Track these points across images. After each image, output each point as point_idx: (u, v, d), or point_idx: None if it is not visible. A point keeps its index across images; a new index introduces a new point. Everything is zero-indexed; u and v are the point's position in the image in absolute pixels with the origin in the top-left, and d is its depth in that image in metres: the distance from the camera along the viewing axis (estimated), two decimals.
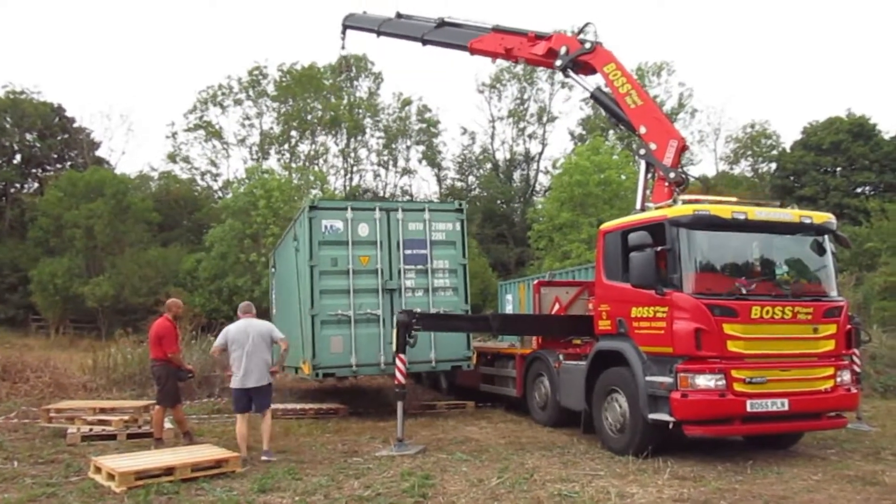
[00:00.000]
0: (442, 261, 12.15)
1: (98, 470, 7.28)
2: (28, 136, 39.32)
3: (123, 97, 77.32)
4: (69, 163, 40.75)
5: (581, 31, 11.02)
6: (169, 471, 7.15)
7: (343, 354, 11.46)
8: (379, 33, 14.46)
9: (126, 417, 10.22)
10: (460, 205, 12.67)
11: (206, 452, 7.99)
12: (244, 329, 8.48)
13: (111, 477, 6.96)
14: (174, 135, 42.45)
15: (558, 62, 11.08)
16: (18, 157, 39.73)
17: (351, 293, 11.57)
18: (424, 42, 13.35)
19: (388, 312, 11.59)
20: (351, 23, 15.81)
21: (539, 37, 11.51)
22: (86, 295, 29.89)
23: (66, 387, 14.01)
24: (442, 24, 13.12)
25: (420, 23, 13.65)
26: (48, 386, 13.91)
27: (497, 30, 12.19)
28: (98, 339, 26.14)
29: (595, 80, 11.08)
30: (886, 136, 37.08)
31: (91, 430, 9.93)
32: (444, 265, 12.16)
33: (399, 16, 14.18)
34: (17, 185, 40.01)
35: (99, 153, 42.62)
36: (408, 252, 11.92)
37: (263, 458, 8.22)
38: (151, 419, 9.69)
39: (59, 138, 40.59)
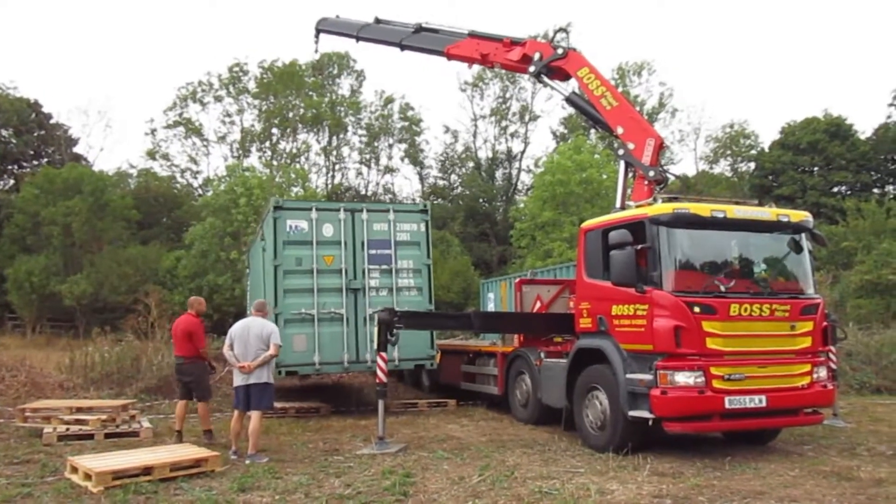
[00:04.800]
0: (406, 261, 12.28)
1: (75, 470, 7.19)
2: (3, 133, 38.74)
3: (101, 93, 76.56)
4: (46, 159, 40.15)
5: (556, 35, 11.13)
6: (147, 470, 7.07)
7: (306, 353, 11.56)
8: (358, 38, 14.52)
9: (104, 417, 10.10)
10: (425, 206, 12.85)
11: (185, 452, 7.92)
12: (246, 326, 8.56)
13: (88, 477, 6.87)
14: (153, 132, 42.06)
15: (532, 68, 11.18)
16: None
17: (315, 292, 11.68)
18: (403, 48, 13.40)
19: (351, 312, 11.83)
20: (325, 27, 15.83)
21: (514, 42, 11.62)
22: (63, 293, 29.49)
23: (42, 386, 13.81)
24: (419, 29, 13.20)
25: (398, 28, 13.69)
26: (24, 385, 13.69)
27: (473, 35, 12.26)
28: (75, 338, 25.81)
29: (571, 85, 11.15)
30: (862, 137, 37.63)
31: (68, 429, 9.80)
32: (408, 265, 12.29)
33: (378, 21, 14.19)
34: None
35: (76, 150, 42.14)
36: (372, 252, 12.07)
37: (247, 461, 8.11)
38: (199, 415, 9.83)
39: (35, 134, 40.01)
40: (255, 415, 8.40)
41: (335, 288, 11.80)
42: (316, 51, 16.71)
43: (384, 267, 12.11)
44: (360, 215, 12.14)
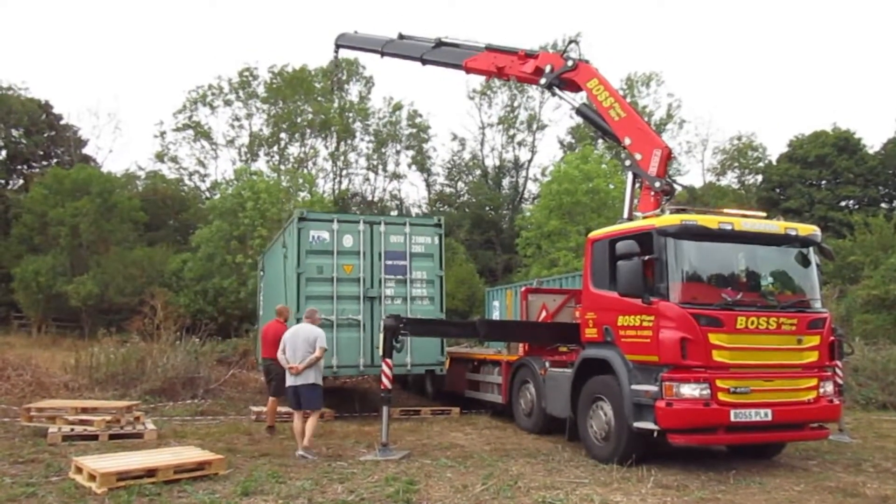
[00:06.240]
0: (420, 272, 12.97)
1: (79, 470, 7.21)
2: (14, 133, 38.89)
3: (112, 95, 76.96)
4: (55, 160, 40.30)
5: (566, 48, 11.28)
6: (151, 472, 7.10)
7: (325, 356, 11.77)
8: (383, 54, 14.78)
9: (108, 417, 10.14)
10: (439, 220, 13.49)
11: (189, 454, 7.95)
12: (296, 332, 9.22)
13: (92, 478, 6.90)
14: (162, 134, 42.15)
15: (543, 80, 11.40)
16: (4, 153, 39.29)
17: (334, 299, 12.33)
18: (424, 62, 13.73)
19: (368, 318, 12.47)
20: (346, 43, 16.12)
21: (528, 55, 11.88)
22: (69, 293, 29.55)
23: (47, 386, 13.86)
24: (439, 44, 13.52)
25: (420, 43, 13.99)
26: (29, 385, 13.75)
27: (490, 48, 12.53)
28: (81, 339, 25.90)
29: (581, 96, 11.27)
30: (871, 151, 37.51)
31: (72, 429, 9.84)
32: (422, 276, 12.97)
33: (401, 37, 14.47)
34: (2, 182, 39.52)
35: (86, 151, 42.21)
36: (388, 263, 12.76)
37: (299, 453, 8.65)
38: (267, 410, 10.94)
39: (45, 135, 40.17)
40: (311, 415, 8.98)
41: (353, 296, 12.47)
42: (337, 65, 17.08)
43: (399, 277, 12.81)
44: (379, 227, 12.83)
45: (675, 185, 10.05)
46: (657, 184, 9.45)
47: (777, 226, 8.61)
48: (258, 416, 12.01)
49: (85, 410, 10.49)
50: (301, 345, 8.99)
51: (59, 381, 14.27)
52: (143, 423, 10.62)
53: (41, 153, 40.65)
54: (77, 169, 34.04)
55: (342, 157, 43.90)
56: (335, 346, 12.06)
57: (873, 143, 40.20)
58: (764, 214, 9.16)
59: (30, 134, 39.01)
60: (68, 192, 31.96)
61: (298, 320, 11.60)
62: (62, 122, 41.12)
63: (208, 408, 13.19)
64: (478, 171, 45.41)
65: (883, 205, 36.66)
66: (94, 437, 9.73)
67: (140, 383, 14.09)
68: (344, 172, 44.52)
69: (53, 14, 66.38)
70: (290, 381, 9.07)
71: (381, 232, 12.78)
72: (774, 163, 40.37)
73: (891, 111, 69.58)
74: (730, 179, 45.60)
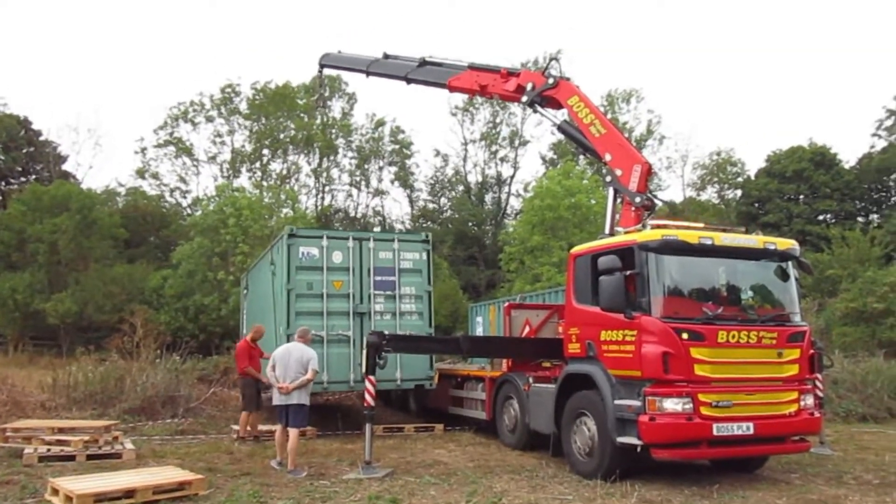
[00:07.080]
0: (409, 287, 13.05)
1: (55, 492, 7.08)
2: None
3: (92, 111, 76.33)
4: (34, 176, 39.93)
5: (547, 66, 11.39)
6: (130, 493, 6.99)
7: None
8: (368, 73, 14.81)
9: (86, 438, 9.95)
10: (426, 236, 13.62)
11: (168, 474, 7.83)
12: (288, 351, 9.22)
13: (69, 499, 6.77)
14: (143, 150, 41.85)
15: (524, 98, 11.49)
16: None
17: (324, 315, 12.36)
18: (409, 81, 13.77)
19: (358, 334, 12.40)
20: (331, 63, 16.16)
21: (510, 73, 11.98)
22: (48, 311, 29.16)
23: (23, 405, 13.57)
24: (423, 63, 13.57)
25: (404, 62, 14.04)
26: (4, 404, 13.44)
27: (472, 67, 12.64)
28: (58, 357, 25.51)
29: (563, 113, 11.35)
30: (846, 166, 38.16)
31: (49, 450, 9.65)
32: (410, 291, 13.05)
33: (386, 56, 14.48)
34: None
35: (65, 167, 41.82)
36: (378, 279, 12.83)
37: (289, 475, 8.56)
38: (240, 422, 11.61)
39: (24, 151, 39.80)
40: (292, 433, 8.89)
41: (343, 311, 12.52)
42: (321, 85, 17.16)
43: (388, 293, 12.89)
44: (367, 244, 12.94)
45: (656, 201, 10.17)
46: (638, 199, 9.54)
47: (756, 240, 8.70)
48: (239, 434, 11.87)
49: (62, 430, 10.29)
50: (293, 365, 8.98)
51: (35, 401, 13.98)
52: (122, 442, 10.45)
53: (20, 169, 40.24)
54: (56, 185, 33.66)
55: (325, 174, 43.86)
56: (325, 362, 12.01)
57: (849, 157, 40.94)
58: (743, 229, 9.26)
59: (8, 150, 38.62)
60: (47, 209, 31.57)
61: (289, 336, 11.64)
62: (41, 139, 40.75)
63: (188, 427, 13.00)
64: (461, 187, 45.59)
65: (859, 218, 37.26)
66: (72, 458, 9.55)
67: (119, 402, 13.85)
68: (327, 189, 44.52)
69: (32, 29, 66.00)
70: (278, 399, 9.05)
71: (369, 248, 12.87)
72: (753, 178, 40.90)
73: (865, 126, 70.91)
74: (709, 194, 46.19)
